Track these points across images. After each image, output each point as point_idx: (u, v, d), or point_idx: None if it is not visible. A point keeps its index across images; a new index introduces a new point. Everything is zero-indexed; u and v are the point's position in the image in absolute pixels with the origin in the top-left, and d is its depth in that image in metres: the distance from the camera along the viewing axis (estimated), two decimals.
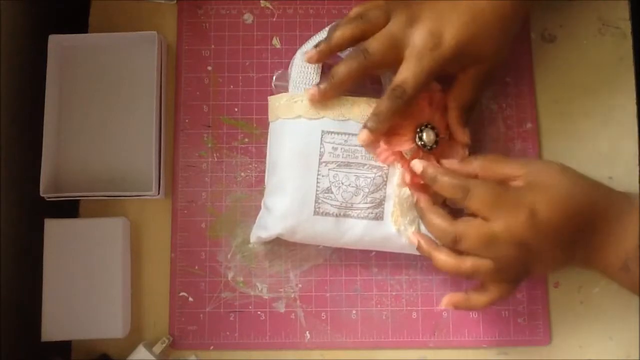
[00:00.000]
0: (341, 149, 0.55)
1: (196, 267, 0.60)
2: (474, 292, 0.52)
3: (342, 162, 0.55)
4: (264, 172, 0.59)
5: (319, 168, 0.55)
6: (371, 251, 0.59)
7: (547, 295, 0.59)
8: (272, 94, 0.59)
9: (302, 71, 0.56)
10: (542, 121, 0.62)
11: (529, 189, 0.49)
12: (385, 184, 0.55)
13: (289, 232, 0.55)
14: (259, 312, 0.59)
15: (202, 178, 0.61)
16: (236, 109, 0.62)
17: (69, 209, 0.60)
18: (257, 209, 0.58)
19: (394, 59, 0.52)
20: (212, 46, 0.63)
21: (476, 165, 0.52)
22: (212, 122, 0.62)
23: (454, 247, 0.50)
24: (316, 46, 0.54)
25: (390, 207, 0.55)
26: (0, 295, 0.57)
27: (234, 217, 0.60)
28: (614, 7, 0.63)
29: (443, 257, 0.51)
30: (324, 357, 0.59)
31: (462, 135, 0.55)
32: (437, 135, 0.54)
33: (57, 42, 0.61)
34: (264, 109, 0.59)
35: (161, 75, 0.60)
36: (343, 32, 0.53)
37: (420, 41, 0.51)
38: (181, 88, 0.62)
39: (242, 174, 0.61)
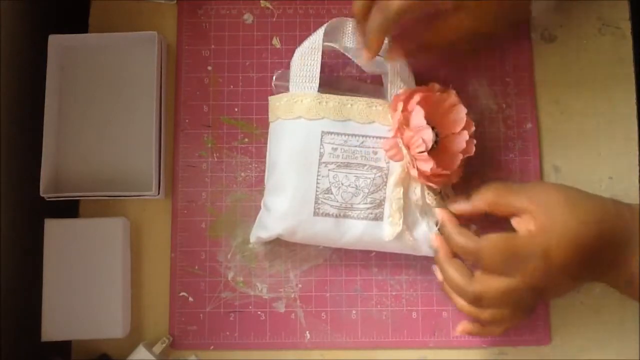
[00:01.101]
0: (341, 149, 0.55)
1: (196, 267, 0.60)
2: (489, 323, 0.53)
3: (342, 162, 0.55)
4: (264, 172, 0.59)
5: (319, 168, 0.55)
6: (371, 251, 0.59)
7: None
8: (272, 93, 0.59)
9: (303, 70, 0.56)
10: (542, 121, 0.62)
11: (540, 232, 0.48)
12: (385, 185, 0.55)
13: (289, 232, 0.55)
14: (259, 312, 0.59)
15: (202, 178, 0.61)
16: (236, 109, 0.62)
17: (69, 209, 0.60)
18: (257, 209, 0.58)
19: None
20: (212, 46, 0.63)
21: (484, 203, 0.52)
22: (212, 122, 0.62)
23: (475, 304, 0.51)
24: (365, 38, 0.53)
25: (388, 208, 0.55)
26: (0, 295, 0.57)
27: (234, 217, 0.60)
28: (614, 7, 0.63)
29: (462, 303, 0.52)
30: (324, 357, 0.59)
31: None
32: (437, 135, 0.54)
33: (57, 42, 0.61)
34: (264, 109, 0.59)
35: (161, 75, 0.60)
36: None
37: None
38: (181, 88, 0.62)
39: (242, 174, 0.61)
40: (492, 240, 0.49)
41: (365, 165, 0.55)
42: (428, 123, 0.53)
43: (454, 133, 0.55)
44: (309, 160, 0.55)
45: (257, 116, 0.62)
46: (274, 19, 0.63)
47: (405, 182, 0.55)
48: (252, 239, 0.58)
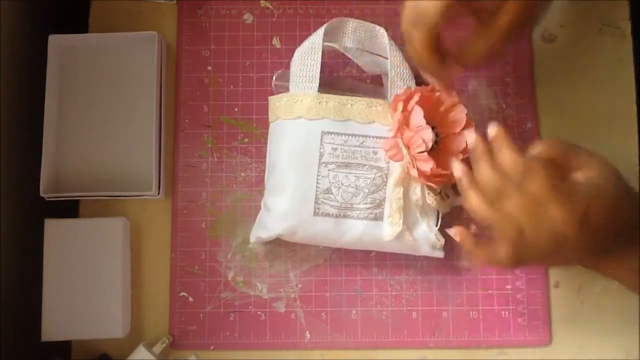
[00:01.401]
0: (341, 149, 0.55)
1: (196, 267, 0.60)
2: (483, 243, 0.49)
3: (342, 162, 0.55)
4: (264, 172, 0.59)
5: (319, 169, 0.55)
6: (371, 251, 0.59)
7: (547, 295, 0.59)
8: (272, 93, 0.59)
9: (303, 69, 0.56)
10: (542, 121, 0.62)
11: (588, 188, 0.47)
12: (385, 185, 0.55)
13: (289, 232, 0.55)
14: (259, 312, 0.59)
15: (202, 178, 0.61)
16: (236, 109, 0.62)
17: (69, 209, 0.60)
18: (257, 209, 0.58)
19: None
20: (212, 46, 0.63)
21: (547, 149, 0.49)
22: (212, 122, 0.62)
23: (497, 196, 0.47)
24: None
25: (388, 208, 0.55)
26: (0, 295, 0.57)
27: (234, 217, 0.60)
28: (614, 7, 0.63)
29: (475, 197, 0.48)
30: (324, 357, 0.59)
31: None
32: (437, 135, 0.54)
33: (57, 42, 0.61)
34: (264, 109, 0.59)
35: (161, 75, 0.60)
36: None
37: None
38: (181, 88, 0.62)
39: (242, 174, 0.61)
40: (542, 169, 0.46)
41: (365, 165, 0.55)
42: (428, 123, 0.53)
43: (454, 133, 0.55)
44: (309, 160, 0.55)
45: (257, 116, 0.62)
46: (274, 19, 0.63)
47: (405, 182, 0.55)
48: (252, 239, 0.58)
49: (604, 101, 0.62)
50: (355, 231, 0.55)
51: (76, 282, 0.57)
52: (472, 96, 0.62)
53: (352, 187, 0.55)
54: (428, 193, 0.55)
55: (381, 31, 0.57)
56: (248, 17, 0.63)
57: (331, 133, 0.55)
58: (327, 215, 0.55)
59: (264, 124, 0.60)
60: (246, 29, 0.63)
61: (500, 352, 0.59)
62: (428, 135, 0.53)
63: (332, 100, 0.55)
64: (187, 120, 0.62)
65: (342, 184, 0.55)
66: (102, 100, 0.62)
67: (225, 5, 0.64)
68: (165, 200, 0.61)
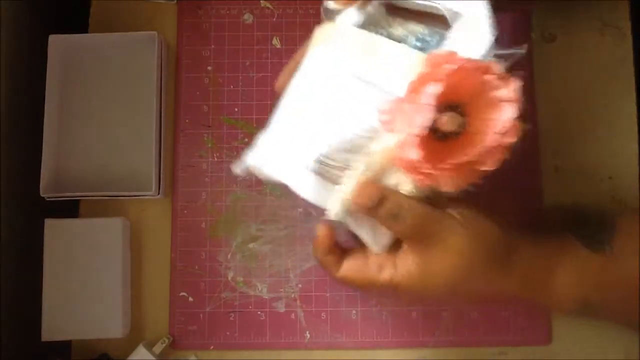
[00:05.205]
0: (347, 90, 0.46)
1: (196, 267, 0.60)
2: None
3: (340, 105, 0.46)
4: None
5: (318, 105, 0.47)
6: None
7: None
8: (272, 94, 0.59)
9: None
10: (542, 121, 0.62)
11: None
12: (364, 149, 0.46)
13: (264, 163, 0.48)
14: (259, 312, 0.59)
15: (202, 178, 0.61)
16: (236, 109, 0.62)
17: (69, 209, 0.60)
18: (257, 209, 0.59)
19: None
20: (212, 46, 0.63)
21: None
22: (212, 122, 0.62)
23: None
24: None
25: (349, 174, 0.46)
26: (0, 295, 0.57)
27: (234, 217, 0.60)
28: (614, 7, 0.63)
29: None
30: (324, 357, 0.59)
31: None
32: (462, 124, 0.42)
33: (57, 42, 0.61)
34: (264, 109, 0.59)
35: (161, 75, 0.60)
36: None
37: None
38: (181, 88, 0.62)
39: None
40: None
41: (361, 119, 0.45)
42: (454, 104, 0.41)
43: (487, 119, 0.43)
44: (315, 93, 0.47)
45: (257, 116, 0.62)
46: (274, 19, 0.63)
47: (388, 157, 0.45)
48: (238, 169, 0.50)
49: (604, 101, 0.62)
50: (308, 187, 0.46)
51: (76, 282, 0.57)
52: None
53: (332, 135, 0.46)
54: (408, 184, 0.45)
55: None
56: (248, 17, 0.63)
57: (360, 79, 0.45)
58: (302, 158, 0.46)
59: (264, 124, 0.60)
60: (246, 29, 0.63)
61: (500, 352, 0.59)
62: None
63: (366, 36, 0.46)
64: (187, 120, 0.62)
65: (325, 128, 0.46)
66: (102, 100, 0.62)
67: (225, 5, 0.64)
68: (165, 200, 0.61)
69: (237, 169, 0.50)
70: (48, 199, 0.58)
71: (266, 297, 0.59)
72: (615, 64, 0.63)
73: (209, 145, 0.62)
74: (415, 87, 0.41)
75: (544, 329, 0.59)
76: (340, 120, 0.46)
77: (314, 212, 0.60)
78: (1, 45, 0.58)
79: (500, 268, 0.46)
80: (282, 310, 0.59)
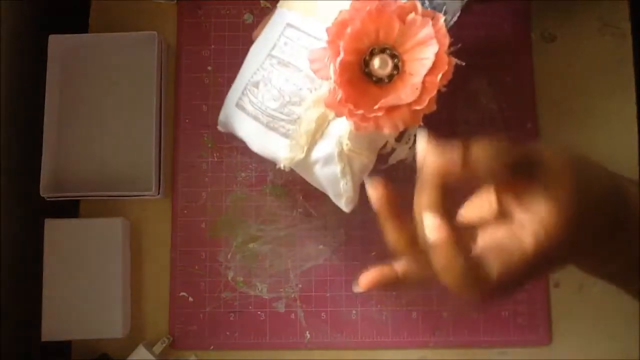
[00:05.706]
0: (291, 45, 0.47)
1: (196, 267, 0.60)
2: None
3: (284, 60, 0.47)
4: (264, 172, 0.59)
5: (265, 60, 0.48)
6: (372, 250, 0.59)
7: (547, 295, 0.59)
8: None
9: None
10: (542, 121, 0.62)
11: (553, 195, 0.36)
12: (307, 101, 0.47)
13: (223, 119, 0.51)
14: (259, 312, 0.59)
15: (202, 178, 0.61)
16: None
17: (69, 209, 0.60)
18: (257, 209, 0.59)
19: None
20: (212, 46, 0.63)
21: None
22: (212, 122, 0.62)
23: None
24: None
25: (297, 127, 0.46)
26: (1, 295, 0.57)
27: (234, 217, 0.60)
28: (614, 7, 0.63)
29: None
30: (324, 357, 0.59)
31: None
32: (396, 66, 0.42)
33: (57, 42, 0.61)
34: None
35: (161, 75, 0.60)
36: None
37: None
38: (181, 88, 0.62)
39: (242, 174, 0.61)
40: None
41: (302, 71, 0.46)
42: (387, 44, 0.41)
43: (419, 58, 0.41)
44: (264, 50, 0.49)
45: None
46: None
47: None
48: (218, 126, 0.54)
49: (604, 101, 0.62)
50: (281, 151, 0.47)
51: (76, 282, 0.57)
52: (472, 96, 0.62)
53: (276, 89, 0.47)
54: (349, 137, 0.44)
55: None
56: (248, 17, 0.63)
57: (293, 27, 0.47)
58: (245, 111, 0.49)
59: None
60: (246, 29, 0.63)
61: (500, 352, 0.59)
62: (383, 63, 0.41)
63: None
64: (187, 120, 0.62)
65: (270, 81, 0.47)
66: (102, 100, 0.62)
67: (225, 5, 0.64)
68: (165, 200, 0.61)
69: (218, 126, 0.53)
70: (48, 199, 0.58)
71: (266, 297, 0.59)
72: (615, 64, 0.63)
73: (209, 145, 0.62)
74: (337, 31, 0.42)
75: (544, 328, 0.59)
76: (287, 74, 0.47)
77: (314, 212, 0.60)
78: (1, 45, 0.58)
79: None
80: (282, 310, 0.59)
